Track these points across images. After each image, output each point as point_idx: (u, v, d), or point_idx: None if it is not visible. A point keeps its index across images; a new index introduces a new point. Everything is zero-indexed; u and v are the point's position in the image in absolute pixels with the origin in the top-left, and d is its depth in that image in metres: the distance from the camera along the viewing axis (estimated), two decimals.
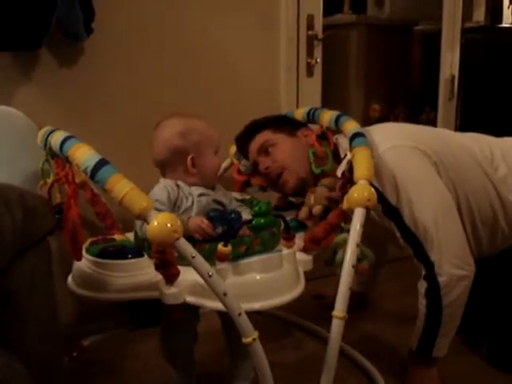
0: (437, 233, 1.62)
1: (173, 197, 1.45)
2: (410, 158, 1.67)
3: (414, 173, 1.66)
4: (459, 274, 1.62)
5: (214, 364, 1.87)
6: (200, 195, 1.49)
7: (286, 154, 1.81)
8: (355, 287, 2.31)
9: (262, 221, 1.40)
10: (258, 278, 1.34)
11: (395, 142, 1.69)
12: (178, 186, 1.48)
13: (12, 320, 1.29)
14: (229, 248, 1.29)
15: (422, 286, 1.68)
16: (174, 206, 1.46)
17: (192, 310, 1.52)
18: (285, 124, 1.89)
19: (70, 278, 1.49)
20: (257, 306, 1.33)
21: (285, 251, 1.42)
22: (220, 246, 1.29)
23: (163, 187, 1.46)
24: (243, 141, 1.93)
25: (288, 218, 1.51)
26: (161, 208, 1.38)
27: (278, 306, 1.38)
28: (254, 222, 1.38)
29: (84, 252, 1.45)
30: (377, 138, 1.70)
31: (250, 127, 1.92)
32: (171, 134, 1.51)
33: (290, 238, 1.44)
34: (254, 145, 1.86)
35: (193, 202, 1.48)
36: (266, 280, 1.35)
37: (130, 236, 1.58)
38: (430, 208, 1.63)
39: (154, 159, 1.55)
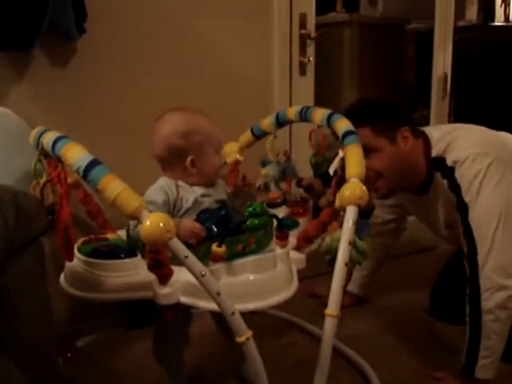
0: (492, 238, 1.67)
1: (171, 198, 1.45)
2: (493, 166, 1.72)
3: (489, 180, 1.71)
4: (502, 283, 1.65)
5: (206, 366, 1.87)
6: (202, 196, 1.49)
7: (384, 164, 1.83)
8: (353, 289, 2.39)
9: (256, 221, 1.38)
10: (251, 278, 1.34)
11: (484, 148, 1.76)
12: (177, 186, 1.47)
13: (5, 321, 1.29)
14: (223, 248, 1.29)
15: (466, 292, 1.72)
16: (173, 208, 1.45)
17: (185, 311, 1.52)
18: (385, 121, 1.87)
19: (62, 278, 1.49)
20: (250, 306, 1.33)
21: (278, 250, 1.42)
22: (214, 247, 1.29)
23: (160, 188, 1.45)
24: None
25: (280, 216, 1.51)
26: (154, 210, 1.37)
27: (272, 306, 1.39)
28: (248, 223, 1.37)
29: (76, 251, 1.45)
30: (467, 140, 1.81)
31: (351, 114, 1.76)
32: (172, 132, 1.49)
33: (283, 238, 1.44)
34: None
35: (193, 203, 1.47)
36: (260, 280, 1.35)
37: (122, 234, 1.57)
38: (493, 214, 1.68)
39: (153, 153, 1.54)
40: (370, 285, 2.41)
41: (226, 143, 1.80)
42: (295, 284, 1.44)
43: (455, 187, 1.75)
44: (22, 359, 1.30)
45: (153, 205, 1.39)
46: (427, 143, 1.88)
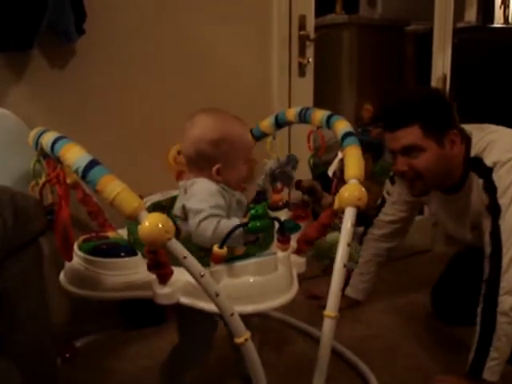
0: None
1: (228, 202, 1.44)
2: None
3: None
4: None
5: (209, 365, 1.87)
6: (238, 200, 1.50)
7: (427, 166, 1.80)
8: (351, 293, 2.36)
9: (258, 224, 1.35)
10: (251, 280, 1.33)
11: None
12: (223, 188, 1.46)
13: (3, 321, 1.29)
14: (224, 250, 1.29)
15: (482, 292, 1.73)
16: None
17: (211, 321, 1.52)
18: (435, 122, 1.79)
19: (61, 275, 1.48)
20: (249, 308, 1.32)
21: (279, 254, 1.41)
22: (215, 248, 1.29)
23: (217, 192, 1.43)
24: (389, 119, 1.88)
25: (282, 219, 1.50)
26: (222, 214, 1.38)
27: (271, 309, 1.38)
28: (250, 226, 1.34)
29: (76, 249, 1.45)
30: (509, 143, 1.81)
31: (402, 110, 1.83)
32: (203, 137, 1.46)
33: (285, 241, 1.43)
34: (398, 140, 1.81)
35: (236, 206, 1.48)
36: (260, 283, 1.34)
37: (123, 232, 1.57)
38: None
39: (182, 151, 1.54)
40: (369, 289, 2.39)
41: None
42: (295, 287, 1.43)
43: (491, 188, 1.74)
44: (20, 359, 1.30)
45: (219, 209, 1.39)
46: (469, 145, 1.85)
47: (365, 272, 2.30)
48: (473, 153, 1.83)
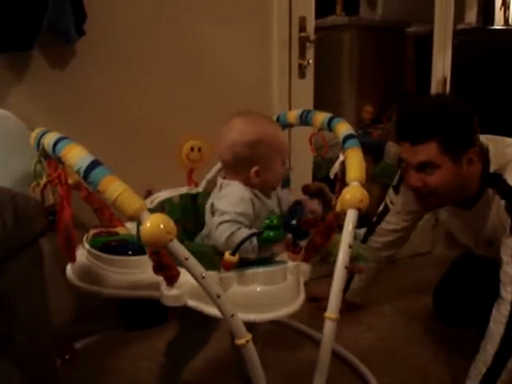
0: None
1: (257, 210, 1.44)
2: None
3: None
4: None
5: (209, 366, 1.87)
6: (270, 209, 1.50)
7: (442, 184, 1.72)
8: (352, 298, 2.31)
9: (272, 234, 1.34)
10: (258, 289, 1.32)
11: None
12: (257, 197, 1.46)
13: (3, 322, 1.28)
14: (235, 257, 1.28)
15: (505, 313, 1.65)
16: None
17: (213, 321, 1.51)
18: (454, 139, 1.69)
19: (68, 269, 1.47)
20: (252, 317, 1.31)
21: (290, 263, 1.40)
22: (227, 255, 1.28)
23: (249, 200, 1.43)
24: (408, 133, 1.76)
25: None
26: (245, 223, 1.38)
27: (276, 319, 1.38)
28: (263, 235, 1.34)
29: (85, 243, 1.45)
30: None
31: (422, 124, 1.72)
32: (239, 140, 1.46)
33: (296, 251, 1.42)
34: (415, 155, 1.73)
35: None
36: (267, 292, 1.33)
37: (131, 226, 1.55)
38: None
39: (219, 155, 1.54)
40: (368, 293, 2.37)
41: None
42: (302, 297, 1.42)
43: None
44: (20, 360, 1.30)
45: (244, 217, 1.39)
46: (487, 159, 1.77)
47: (363, 278, 2.28)
48: (492, 168, 1.76)
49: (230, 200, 1.42)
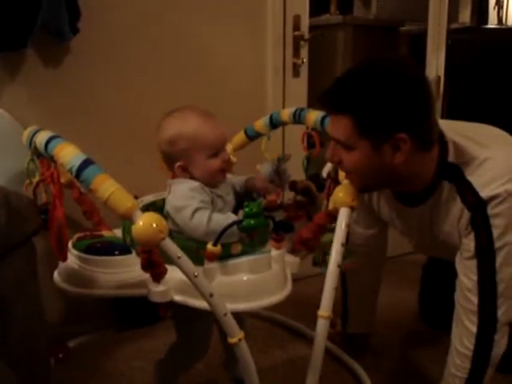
0: None
1: (211, 196, 1.45)
2: None
3: None
4: None
5: (201, 368, 1.87)
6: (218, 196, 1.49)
7: (356, 167, 1.45)
8: (356, 329, 2.11)
9: (252, 222, 1.36)
10: (244, 278, 1.34)
11: None
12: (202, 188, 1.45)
13: None
14: (218, 248, 1.29)
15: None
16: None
17: (207, 320, 1.51)
18: (373, 120, 1.37)
19: (55, 274, 1.48)
20: (241, 306, 1.33)
21: (273, 252, 1.41)
22: (209, 246, 1.29)
23: (200, 187, 1.43)
24: (323, 97, 1.46)
25: (277, 220, 1.50)
26: (208, 207, 1.39)
27: (264, 307, 1.38)
28: (244, 223, 1.35)
29: (71, 247, 1.45)
30: (503, 168, 1.44)
31: (337, 92, 1.42)
32: (161, 138, 1.48)
33: (279, 240, 1.43)
34: (333, 126, 1.46)
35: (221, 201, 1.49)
36: (253, 281, 1.34)
37: (118, 232, 1.58)
38: None
39: None
40: (369, 319, 2.12)
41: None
42: (289, 287, 1.43)
43: (485, 225, 1.41)
44: (13, 359, 1.30)
45: (206, 204, 1.40)
46: (444, 150, 1.50)
47: (364, 302, 2.11)
48: (450, 158, 1.49)
49: (183, 193, 1.42)
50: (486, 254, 1.42)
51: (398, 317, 2.34)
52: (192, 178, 1.47)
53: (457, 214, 1.47)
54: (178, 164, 1.47)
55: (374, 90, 1.36)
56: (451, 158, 1.48)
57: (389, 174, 1.45)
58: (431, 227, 1.59)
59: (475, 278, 1.44)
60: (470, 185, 1.43)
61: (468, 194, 1.44)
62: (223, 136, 1.51)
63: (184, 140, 1.45)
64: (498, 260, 1.41)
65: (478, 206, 1.41)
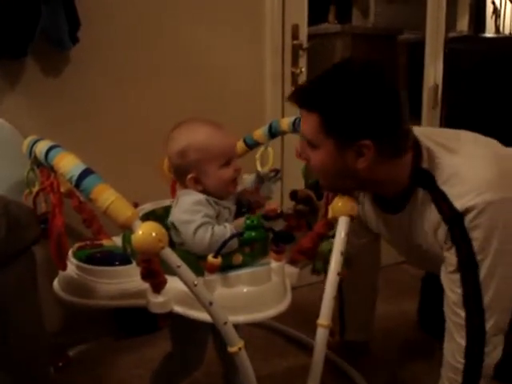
0: (505, 305, 1.44)
1: (217, 209, 1.44)
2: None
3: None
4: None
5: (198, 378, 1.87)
6: (225, 208, 1.49)
7: (320, 167, 1.47)
8: (354, 337, 2.11)
9: (253, 234, 1.36)
10: (244, 290, 1.34)
11: (509, 191, 1.39)
12: (208, 201, 1.44)
13: None
14: (218, 260, 1.29)
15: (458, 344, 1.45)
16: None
17: (203, 330, 1.52)
18: (339, 122, 1.37)
19: (55, 283, 1.48)
20: (241, 318, 1.33)
21: (273, 264, 1.41)
22: (210, 258, 1.29)
23: (205, 200, 1.42)
24: (295, 91, 1.52)
25: (276, 230, 1.50)
26: (212, 222, 1.38)
27: (264, 320, 1.38)
28: (245, 236, 1.36)
29: (71, 256, 1.45)
30: (482, 177, 1.39)
31: (308, 88, 1.47)
32: (171, 151, 1.47)
33: (279, 252, 1.43)
34: (303, 122, 1.49)
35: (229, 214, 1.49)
36: (253, 293, 1.34)
37: (117, 240, 1.58)
38: (510, 278, 1.41)
39: None
40: (367, 327, 2.13)
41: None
42: (288, 298, 1.43)
43: (463, 239, 1.38)
44: (12, 368, 1.30)
45: (210, 218, 1.39)
46: (418, 157, 1.48)
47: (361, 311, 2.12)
48: (424, 165, 1.47)
49: (187, 207, 1.40)
50: (468, 268, 1.40)
51: (397, 326, 2.33)
52: (205, 189, 1.45)
53: (434, 222, 1.45)
54: (190, 176, 1.45)
55: (344, 92, 1.36)
56: (425, 165, 1.46)
57: (354, 177, 1.44)
58: (412, 236, 1.56)
59: (460, 291, 1.42)
60: (444, 195, 1.41)
61: (443, 205, 1.41)
62: (233, 145, 1.52)
63: (195, 151, 1.44)
64: (482, 272, 1.38)
65: (454, 219, 1.39)
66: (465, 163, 1.43)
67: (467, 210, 1.36)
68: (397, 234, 1.66)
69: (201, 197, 1.42)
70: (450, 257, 1.42)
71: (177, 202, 1.47)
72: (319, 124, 1.38)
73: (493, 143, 1.61)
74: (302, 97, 1.45)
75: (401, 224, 1.58)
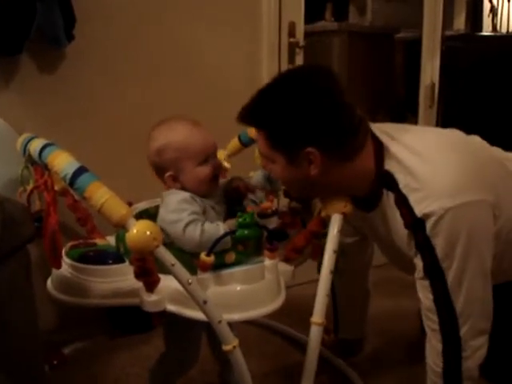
0: (479, 309, 1.40)
1: (202, 206, 1.44)
2: (478, 220, 1.36)
3: (477, 242, 1.36)
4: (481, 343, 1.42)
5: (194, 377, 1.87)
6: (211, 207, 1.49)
7: (281, 179, 1.52)
8: (347, 335, 2.10)
9: (246, 232, 1.35)
10: (238, 288, 1.34)
11: (468, 195, 1.34)
12: (192, 198, 1.44)
13: None
14: (211, 258, 1.29)
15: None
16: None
17: (196, 328, 1.52)
18: (281, 136, 1.40)
19: (49, 282, 1.48)
20: (236, 316, 1.33)
21: (267, 262, 1.40)
22: (202, 256, 1.29)
23: (190, 198, 1.42)
24: (240, 117, 1.49)
25: (270, 227, 1.50)
26: (200, 218, 1.38)
27: (258, 317, 1.38)
28: (237, 234, 1.35)
29: (64, 256, 1.45)
30: (443, 183, 1.35)
31: (252, 110, 1.46)
32: (150, 150, 1.49)
33: (273, 249, 1.42)
34: (258, 141, 1.50)
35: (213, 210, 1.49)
36: (247, 291, 1.34)
37: (111, 239, 1.58)
38: (479, 282, 1.38)
39: None
40: (360, 324, 2.11)
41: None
42: (282, 296, 1.43)
43: (426, 245, 1.36)
44: (7, 366, 1.30)
45: (197, 214, 1.40)
46: (380, 158, 1.45)
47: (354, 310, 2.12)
48: (385, 166, 1.45)
49: (174, 207, 1.41)
50: (434, 275, 1.37)
51: (398, 324, 2.32)
52: (183, 187, 1.47)
53: (401, 223, 1.42)
54: (167, 174, 1.47)
55: (280, 104, 1.38)
56: (387, 166, 1.43)
57: (315, 184, 1.44)
58: (388, 236, 1.54)
59: (431, 297, 1.39)
60: (405, 200, 1.38)
61: (404, 209, 1.39)
62: (211, 143, 1.51)
63: (172, 149, 1.46)
64: (449, 279, 1.35)
65: (415, 225, 1.36)
66: (426, 167, 1.38)
67: (426, 216, 1.33)
68: (374, 233, 1.67)
69: (185, 195, 1.43)
70: (418, 263, 1.40)
71: (162, 203, 1.48)
72: (266, 140, 1.42)
73: (468, 142, 1.57)
74: (245, 116, 1.47)
75: (375, 223, 1.57)
